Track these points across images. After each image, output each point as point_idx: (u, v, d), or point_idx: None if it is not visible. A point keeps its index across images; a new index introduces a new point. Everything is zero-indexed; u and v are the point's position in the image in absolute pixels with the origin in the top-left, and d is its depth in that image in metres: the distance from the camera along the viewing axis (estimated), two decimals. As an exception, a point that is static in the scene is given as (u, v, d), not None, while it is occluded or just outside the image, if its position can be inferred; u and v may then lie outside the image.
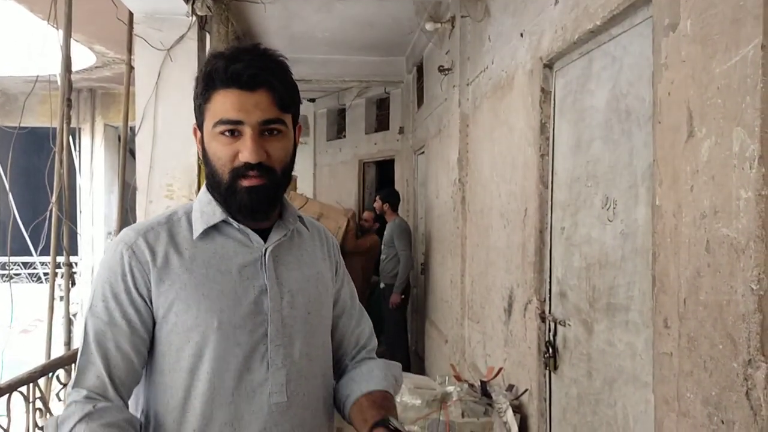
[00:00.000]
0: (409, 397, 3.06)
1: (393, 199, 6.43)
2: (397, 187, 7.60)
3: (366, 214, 7.23)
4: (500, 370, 3.33)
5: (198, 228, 1.28)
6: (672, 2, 1.70)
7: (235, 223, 1.29)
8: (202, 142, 1.29)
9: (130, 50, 4.30)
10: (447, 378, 3.36)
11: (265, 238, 1.32)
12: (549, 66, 2.81)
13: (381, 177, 8.99)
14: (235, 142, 1.22)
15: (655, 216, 1.80)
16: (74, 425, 1.14)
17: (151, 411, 1.26)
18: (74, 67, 4.07)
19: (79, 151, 8.83)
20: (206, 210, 1.30)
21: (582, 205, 2.48)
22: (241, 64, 1.21)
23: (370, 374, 1.42)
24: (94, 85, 8.51)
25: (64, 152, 3.86)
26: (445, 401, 3.09)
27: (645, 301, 1.99)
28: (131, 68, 4.27)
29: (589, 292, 2.41)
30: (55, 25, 3.84)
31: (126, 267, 1.24)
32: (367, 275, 6.97)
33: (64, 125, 3.87)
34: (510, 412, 3.03)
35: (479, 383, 3.23)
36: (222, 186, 1.25)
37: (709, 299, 1.53)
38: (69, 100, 3.83)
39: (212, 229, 1.29)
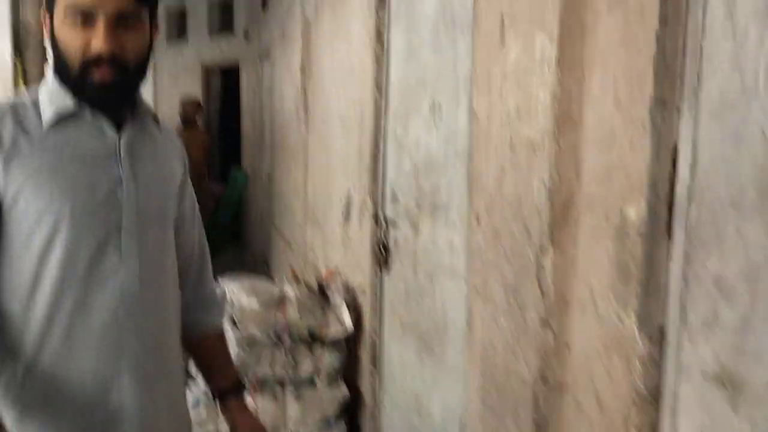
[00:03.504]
0: (246, 300, 3.10)
1: None
2: (243, 95, 7.37)
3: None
4: (333, 271, 3.45)
5: (48, 114, 1.23)
6: None
7: (88, 114, 1.25)
8: (51, 28, 1.22)
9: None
10: (284, 277, 3.43)
11: (119, 132, 1.28)
12: (385, -29, 2.81)
13: (227, 86, 8.68)
14: (88, 32, 1.17)
15: (471, 119, 1.91)
16: None
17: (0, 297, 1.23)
18: None
19: None
20: (55, 96, 1.24)
21: (413, 111, 2.57)
22: None
23: (213, 302, 1.56)
24: None
25: None
26: (282, 302, 3.17)
27: (463, 201, 2.13)
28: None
29: (416, 193, 2.54)
30: None
31: None
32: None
33: None
34: (345, 308, 3.17)
35: (317, 285, 3.34)
36: (72, 75, 1.21)
37: (511, 194, 1.67)
38: None
39: (64, 119, 1.24)
